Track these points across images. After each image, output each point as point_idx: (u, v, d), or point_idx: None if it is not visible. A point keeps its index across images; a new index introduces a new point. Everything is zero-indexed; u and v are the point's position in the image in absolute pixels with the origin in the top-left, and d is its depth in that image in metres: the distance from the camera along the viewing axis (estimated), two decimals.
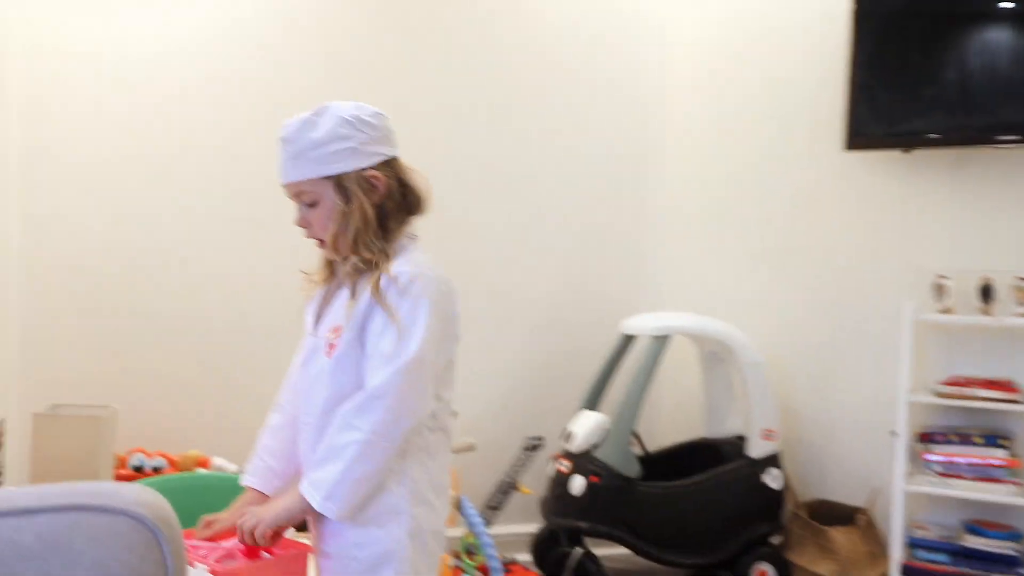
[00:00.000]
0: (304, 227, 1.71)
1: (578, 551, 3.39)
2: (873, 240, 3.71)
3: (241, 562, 1.62)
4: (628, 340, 3.71)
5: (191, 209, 3.51)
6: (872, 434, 3.66)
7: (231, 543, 1.68)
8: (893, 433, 3.40)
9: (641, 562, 3.71)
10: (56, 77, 3.36)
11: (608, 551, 3.71)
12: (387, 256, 1.66)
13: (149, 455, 3.33)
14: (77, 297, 3.41)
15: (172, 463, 3.32)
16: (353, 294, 1.67)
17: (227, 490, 2.05)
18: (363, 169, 1.66)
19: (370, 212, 1.65)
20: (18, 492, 1.22)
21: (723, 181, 4.05)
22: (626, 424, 3.46)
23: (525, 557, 3.68)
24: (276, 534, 1.65)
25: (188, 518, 1.84)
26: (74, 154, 3.39)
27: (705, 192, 4.09)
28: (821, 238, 3.82)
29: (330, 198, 1.65)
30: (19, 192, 3.24)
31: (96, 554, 1.17)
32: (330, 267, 1.77)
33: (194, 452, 3.34)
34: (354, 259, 1.67)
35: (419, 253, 1.70)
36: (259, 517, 1.63)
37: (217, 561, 1.59)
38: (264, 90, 3.56)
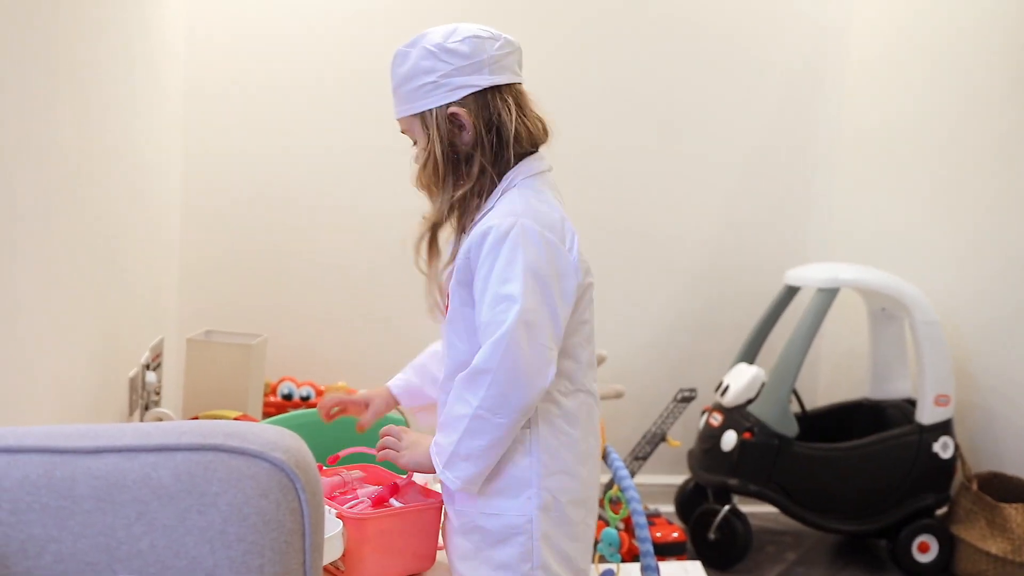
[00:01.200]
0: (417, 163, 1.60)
1: (725, 508, 3.26)
2: None
3: (370, 509, 1.56)
4: (792, 291, 3.50)
5: (346, 146, 3.49)
6: None
7: (363, 491, 1.63)
8: None
9: (790, 523, 3.55)
10: (218, 13, 3.37)
11: (756, 509, 3.56)
12: (471, 205, 1.53)
13: (298, 384, 3.36)
14: (233, 230, 3.46)
15: (319, 393, 3.35)
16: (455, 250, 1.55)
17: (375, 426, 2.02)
18: (447, 105, 1.52)
19: (440, 156, 1.52)
20: (156, 427, 1.18)
21: (908, 121, 3.72)
22: (785, 380, 3.27)
23: (668, 509, 3.58)
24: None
25: (330, 449, 1.82)
26: (232, 91, 3.41)
27: (887, 133, 3.77)
28: (1012, 191, 3.45)
29: (423, 137, 1.55)
30: (181, 129, 3.28)
31: (231, 497, 1.12)
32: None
33: (342, 384, 3.36)
34: (433, 206, 1.56)
35: (523, 196, 1.51)
36: (403, 451, 1.58)
37: (344, 505, 1.54)
38: (424, 22, 3.47)
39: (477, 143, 1.53)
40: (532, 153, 1.59)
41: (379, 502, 1.57)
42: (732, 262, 3.82)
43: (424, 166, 1.54)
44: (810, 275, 3.42)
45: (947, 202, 3.62)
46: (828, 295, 3.32)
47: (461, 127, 1.53)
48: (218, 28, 3.37)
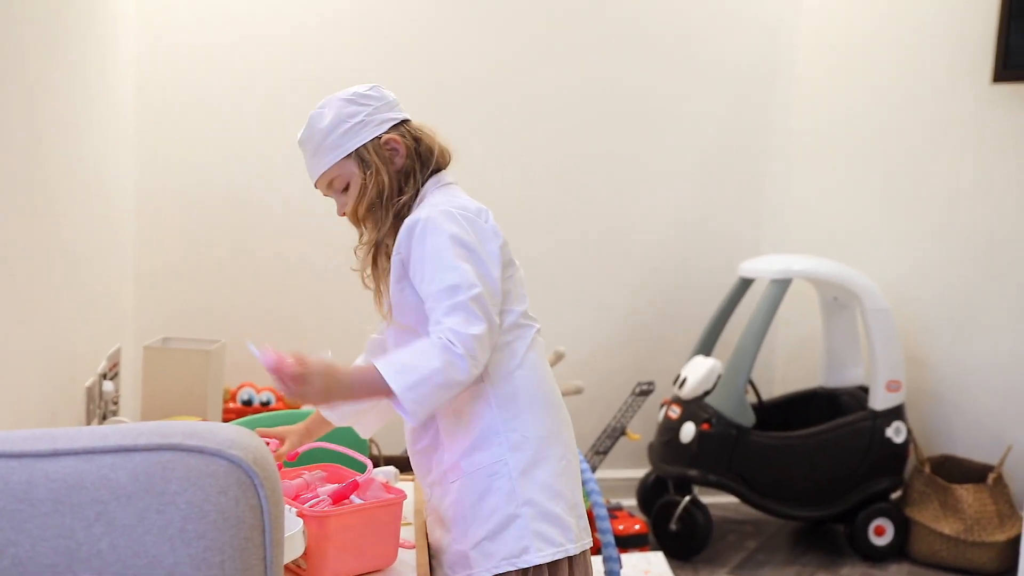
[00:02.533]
0: (347, 214, 1.74)
1: (685, 499, 3.30)
2: (1021, 181, 3.43)
3: (330, 507, 1.57)
4: (746, 283, 3.56)
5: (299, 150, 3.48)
6: (1009, 388, 3.43)
7: (324, 489, 1.64)
8: None
9: (750, 512, 3.61)
10: (170, 17, 3.35)
11: (716, 499, 3.61)
12: (400, 216, 1.68)
13: (258, 390, 3.35)
14: (188, 236, 3.44)
15: (280, 398, 3.34)
16: (368, 264, 1.73)
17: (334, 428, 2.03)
18: (378, 137, 1.71)
19: (388, 179, 1.69)
20: (114, 430, 1.19)
21: (854, 114, 3.80)
22: (741, 371, 3.33)
23: (630, 503, 3.62)
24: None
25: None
26: (187, 93, 3.39)
27: (834, 126, 3.85)
28: (961, 179, 3.55)
29: (357, 175, 1.71)
30: (136, 131, 3.26)
31: (190, 495, 1.13)
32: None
33: None
34: (368, 231, 1.72)
35: (439, 196, 1.70)
36: (315, 382, 1.54)
37: (305, 504, 1.55)
38: (381, 28, 3.49)
39: (412, 159, 1.73)
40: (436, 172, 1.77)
41: (339, 499, 1.58)
42: (687, 256, 3.86)
43: (365, 196, 1.70)
44: (763, 267, 3.47)
45: (897, 194, 3.70)
46: (781, 286, 3.38)
47: (395, 151, 1.71)
48: (169, 33, 3.35)
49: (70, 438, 1.16)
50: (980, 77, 3.41)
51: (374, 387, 1.54)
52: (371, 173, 1.69)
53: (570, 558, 1.65)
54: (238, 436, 1.19)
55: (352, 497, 1.59)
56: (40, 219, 2.09)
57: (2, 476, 1.10)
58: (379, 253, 1.71)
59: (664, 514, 3.34)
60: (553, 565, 1.62)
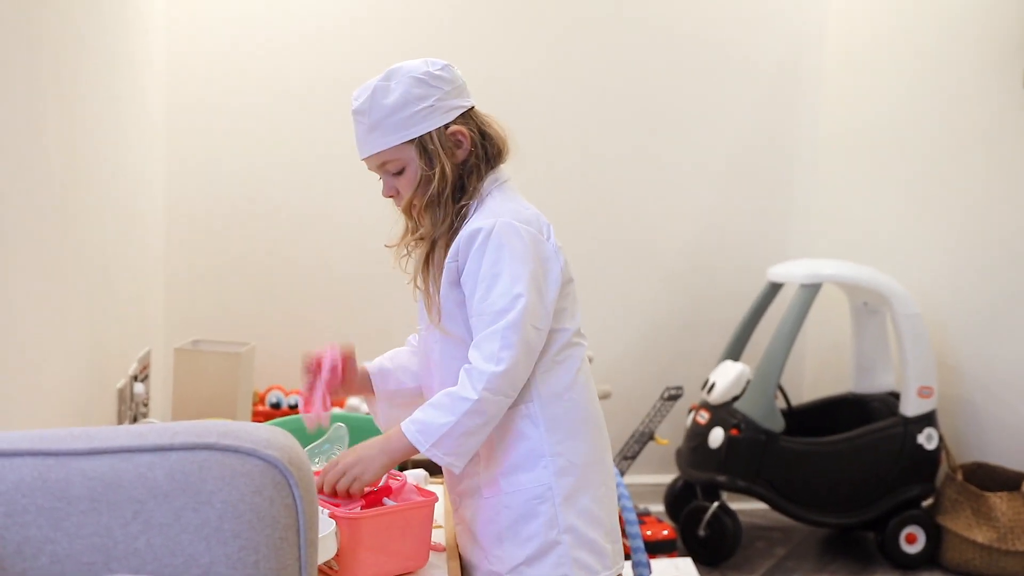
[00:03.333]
0: (391, 197, 1.67)
1: (714, 505, 3.28)
2: None
3: (362, 508, 1.56)
4: (775, 288, 3.53)
5: (330, 154, 3.49)
6: None
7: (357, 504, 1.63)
8: None
9: (779, 518, 3.57)
10: (199, 23, 3.37)
11: (745, 505, 3.58)
12: (461, 215, 1.62)
13: (286, 392, 3.37)
14: (219, 239, 3.46)
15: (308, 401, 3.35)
16: (421, 262, 1.64)
17: (361, 430, 2.04)
18: (445, 126, 1.62)
19: (451, 172, 1.61)
20: (151, 429, 1.19)
21: (887, 118, 3.76)
22: (770, 376, 3.30)
23: (658, 508, 3.60)
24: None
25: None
26: (215, 97, 3.42)
27: (862, 129, 3.82)
28: (991, 182, 3.50)
29: (415, 162, 1.62)
30: (165, 136, 3.28)
31: (226, 495, 1.13)
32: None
33: None
34: (424, 226, 1.63)
35: (501, 200, 1.63)
36: (357, 472, 1.56)
37: (337, 506, 1.55)
38: (406, 30, 3.50)
39: (474, 156, 1.64)
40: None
41: (372, 502, 1.57)
42: (715, 261, 3.84)
43: (429, 187, 1.60)
44: (792, 272, 3.45)
45: (927, 197, 3.66)
46: (811, 291, 3.35)
47: (459, 144, 1.62)
48: (198, 38, 3.38)
49: (107, 437, 1.16)
50: (1011, 80, 3.37)
51: (407, 448, 1.55)
52: (434, 165, 1.60)
53: None
54: (273, 436, 1.20)
55: (385, 500, 1.59)
56: (72, 223, 2.11)
57: (40, 474, 1.11)
58: (434, 252, 1.63)
59: (692, 520, 3.32)
60: None
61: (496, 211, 1.59)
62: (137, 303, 2.86)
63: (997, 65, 3.40)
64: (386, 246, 1.71)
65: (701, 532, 3.28)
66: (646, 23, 3.72)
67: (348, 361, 1.76)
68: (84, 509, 1.10)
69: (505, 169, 1.69)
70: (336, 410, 3.20)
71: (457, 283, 1.60)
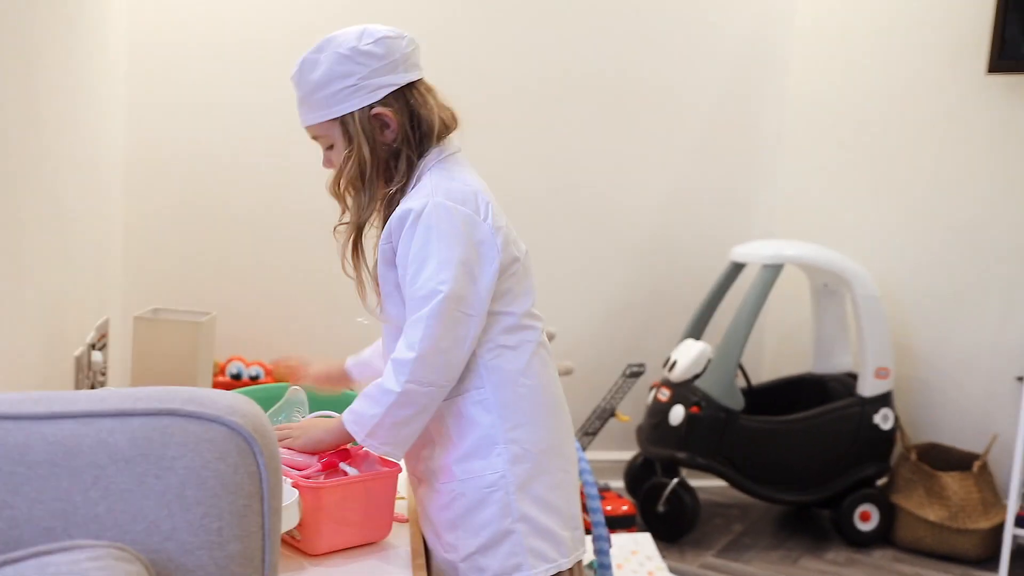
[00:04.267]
0: (329, 168, 1.64)
1: (673, 481, 3.31)
2: (1011, 172, 3.45)
3: (328, 479, 1.56)
4: (737, 268, 3.56)
5: (292, 120, 3.45)
6: (995, 377, 3.45)
7: (315, 459, 1.62)
8: (1020, 378, 3.20)
9: (737, 495, 3.62)
10: None
11: (704, 483, 3.62)
12: (396, 200, 1.58)
13: (247, 363, 3.34)
14: (178, 204, 3.41)
15: (268, 372, 3.33)
16: (350, 247, 1.63)
17: (321, 400, 2.03)
18: (370, 107, 1.56)
19: (370, 156, 1.56)
20: (112, 393, 1.17)
21: (848, 102, 3.79)
22: (731, 355, 3.33)
23: (618, 484, 3.62)
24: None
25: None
26: (175, 61, 3.36)
27: (827, 113, 3.85)
28: (953, 168, 3.56)
29: (340, 141, 1.58)
30: (126, 98, 3.22)
31: (189, 461, 1.12)
32: None
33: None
34: (349, 209, 1.61)
35: (438, 178, 1.57)
36: (297, 435, 1.61)
37: (301, 475, 1.54)
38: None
39: (402, 139, 1.58)
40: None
41: (329, 466, 1.57)
42: (679, 240, 3.86)
43: (347, 169, 1.57)
44: (755, 252, 3.47)
45: (889, 180, 3.71)
46: (772, 271, 3.38)
47: (385, 126, 1.57)
48: (159, 6, 3.31)
49: (68, 401, 1.14)
50: (975, 67, 3.42)
51: (346, 435, 1.57)
52: (353, 147, 1.56)
53: (562, 572, 1.62)
54: (238, 403, 1.18)
55: (343, 466, 1.58)
56: (31, 188, 2.06)
57: None
58: (360, 238, 1.61)
59: (652, 496, 3.35)
60: None
61: (428, 190, 1.54)
62: (95, 271, 2.81)
63: (962, 50, 3.45)
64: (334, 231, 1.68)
65: (660, 508, 3.32)
66: (610, 4, 3.71)
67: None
68: (43, 474, 1.08)
69: (454, 141, 1.64)
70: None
71: (393, 264, 1.57)
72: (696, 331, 3.56)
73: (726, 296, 3.58)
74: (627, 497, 3.46)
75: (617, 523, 3.16)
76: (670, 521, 3.32)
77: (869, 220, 3.74)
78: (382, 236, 1.57)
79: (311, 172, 3.44)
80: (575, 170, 3.73)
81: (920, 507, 3.34)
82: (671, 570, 2.88)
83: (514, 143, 3.58)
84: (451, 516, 1.58)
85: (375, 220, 1.63)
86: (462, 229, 1.52)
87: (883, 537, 3.41)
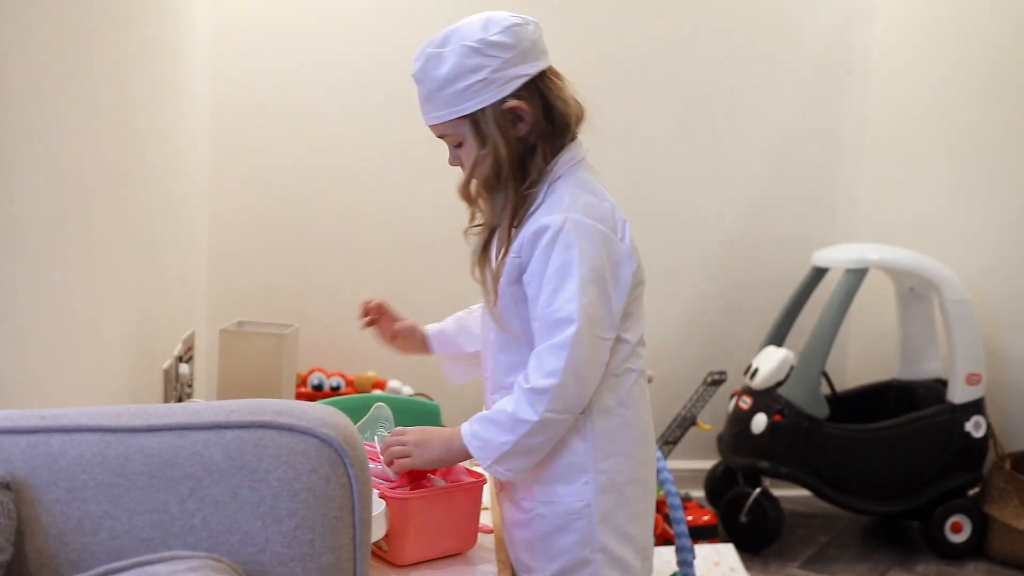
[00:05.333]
0: (455, 166, 1.57)
1: (756, 491, 3.25)
2: None
3: (410, 488, 1.56)
4: (819, 273, 3.49)
5: (372, 134, 3.50)
6: None
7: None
8: None
9: (822, 505, 3.54)
10: (238, 9, 3.38)
11: (787, 492, 3.55)
12: (526, 202, 1.50)
13: (328, 375, 3.38)
14: (261, 219, 3.48)
15: (349, 383, 3.36)
16: (505, 243, 1.52)
17: (403, 412, 2.05)
18: (503, 100, 1.47)
19: (506, 153, 1.47)
20: (207, 407, 1.20)
21: (933, 98, 3.69)
22: (814, 361, 3.27)
23: (699, 494, 3.58)
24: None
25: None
26: (259, 75, 3.43)
27: (912, 110, 3.74)
28: None
29: (470, 139, 1.50)
30: (209, 117, 3.30)
31: (282, 473, 1.13)
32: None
33: (371, 373, 3.37)
34: (483, 212, 1.53)
35: (574, 190, 1.50)
36: (412, 452, 1.54)
37: (389, 486, 1.55)
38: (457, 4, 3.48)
39: (538, 133, 1.50)
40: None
41: (417, 479, 1.57)
42: (760, 245, 3.80)
43: (481, 169, 1.50)
44: (838, 256, 3.41)
45: (975, 181, 3.60)
46: (856, 276, 3.31)
47: (519, 119, 1.49)
48: (242, 15, 3.38)
49: (164, 414, 1.17)
50: None
51: (466, 454, 1.51)
52: (488, 147, 1.47)
53: None
54: (328, 415, 1.20)
55: (430, 477, 1.59)
56: (121, 203, 2.12)
57: (100, 450, 1.12)
58: (492, 241, 1.53)
59: (734, 506, 3.30)
60: None
61: (567, 204, 1.47)
62: (182, 284, 2.88)
63: None
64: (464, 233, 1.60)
65: (743, 518, 3.26)
66: (686, 8, 3.68)
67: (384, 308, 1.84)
68: (142, 485, 1.11)
69: (581, 147, 1.56)
70: (377, 392, 3.22)
71: (518, 280, 1.50)
72: (778, 338, 3.50)
73: (808, 302, 3.52)
74: (708, 507, 3.42)
75: (699, 533, 3.11)
76: (753, 532, 3.27)
77: (957, 223, 3.63)
78: (511, 250, 1.49)
79: (390, 184, 3.51)
80: (654, 180, 3.70)
81: (1015, 518, 3.23)
82: None
83: (593, 152, 3.56)
84: (529, 536, 1.56)
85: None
86: (601, 249, 1.46)
87: (976, 549, 3.30)
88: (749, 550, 3.25)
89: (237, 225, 3.45)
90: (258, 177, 3.46)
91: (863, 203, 3.85)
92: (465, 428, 1.51)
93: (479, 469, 1.64)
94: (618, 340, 1.52)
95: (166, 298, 2.63)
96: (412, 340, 1.84)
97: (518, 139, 1.50)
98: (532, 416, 1.44)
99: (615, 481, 1.54)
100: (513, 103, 1.47)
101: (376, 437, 1.72)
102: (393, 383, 3.32)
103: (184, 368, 2.67)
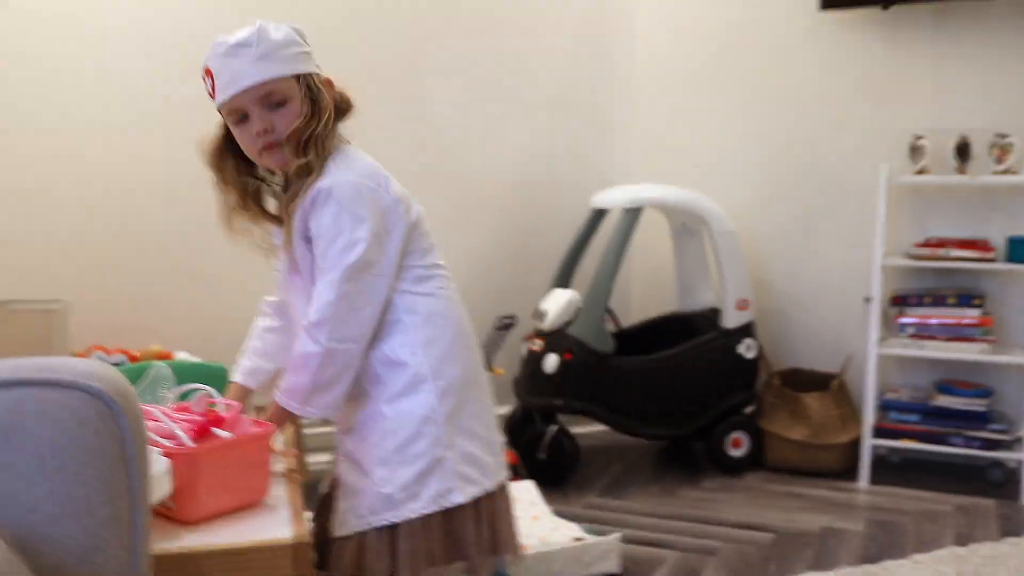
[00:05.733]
0: (268, 132, 1.67)
1: (552, 428, 3.37)
2: (849, 103, 3.63)
3: (200, 444, 1.53)
4: (599, 215, 3.63)
5: (138, 95, 3.33)
6: (846, 301, 3.65)
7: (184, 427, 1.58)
8: (867, 299, 3.38)
9: (616, 438, 3.72)
10: None
11: (583, 429, 3.71)
12: (322, 165, 1.68)
13: (109, 352, 3.22)
14: (29, 192, 3.25)
15: (133, 359, 3.21)
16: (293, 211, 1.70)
17: (187, 374, 2.01)
18: (319, 74, 1.72)
19: (328, 116, 1.69)
20: None
21: (695, 45, 3.90)
22: (599, 300, 3.40)
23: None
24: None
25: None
26: (32, 42, 3.18)
27: (677, 57, 3.95)
28: (796, 103, 3.72)
29: (298, 97, 1.67)
30: None
31: (46, 431, 1.08)
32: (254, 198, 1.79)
33: (156, 347, 3.22)
34: (308, 155, 1.66)
35: (342, 158, 1.71)
36: None
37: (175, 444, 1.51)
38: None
39: (333, 111, 1.71)
40: None
41: (201, 433, 1.54)
42: (541, 192, 3.91)
43: (314, 124, 1.66)
44: (615, 197, 3.55)
45: (735, 118, 3.85)
46: (632, 214, 3.46)
47: (329, 88, 1.72)
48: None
49: None
50: (810, 5, 3.57)
51: (285, 415, 1.69)
52: (322, 101, 1.68)
53: (489, 493, 1.77)
54: (96, 368, 1.15)
55: (215, 431, 1.55)
56: None
57: None
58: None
59: (533, 445, 3.40)
60: (474, 503, 1.74)
61: (334, 169, 1.67)
62: None
63: None
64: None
65: (542, 455, 3.37)
66: None
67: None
68: None
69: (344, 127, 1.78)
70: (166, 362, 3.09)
71: (307, 238, 1.68)
72: (564, 280, 3.62)
73: (590, 243, 3.65)
74: (509, 449, 3.51)
75: None
76: (552, 467, 3.39)
77: (721, 159, 3.87)
78: (297, 215, 1.66)
79: (166, 150, 3.35)
80: (434, 132, 3.72)
81: (785, 429, 3.51)
82: (556, 513, 2.93)
83: (373, 109, 3.53)
84: (383, 453, 1.70)
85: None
86: (368, 202, 1.67)
87: (754, 461, 3.56)
88: (550, 485, 3.36)
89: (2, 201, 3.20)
90: (23, 148, 3.22)
91: (636, 145, 4.03)
92: (276, 393, 1.70)
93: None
94: (410, 267, 1.76)
95: None
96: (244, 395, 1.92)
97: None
98: (316, 348, 1.64)
99: (452, 384, 1.74)
100: (328, 77, 1.73)
101: (157, 397, 1.67)
102: (180, 355, 3.19)
103: None
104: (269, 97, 1.65)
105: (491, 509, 1.78)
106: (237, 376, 1.91)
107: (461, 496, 1.72)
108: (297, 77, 1.67)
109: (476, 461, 1.75)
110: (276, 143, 1.67)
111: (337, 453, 1.82)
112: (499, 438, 1.85)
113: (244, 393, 1.90)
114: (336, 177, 1.65)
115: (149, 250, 3.40)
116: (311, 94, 1.68)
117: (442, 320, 1.77)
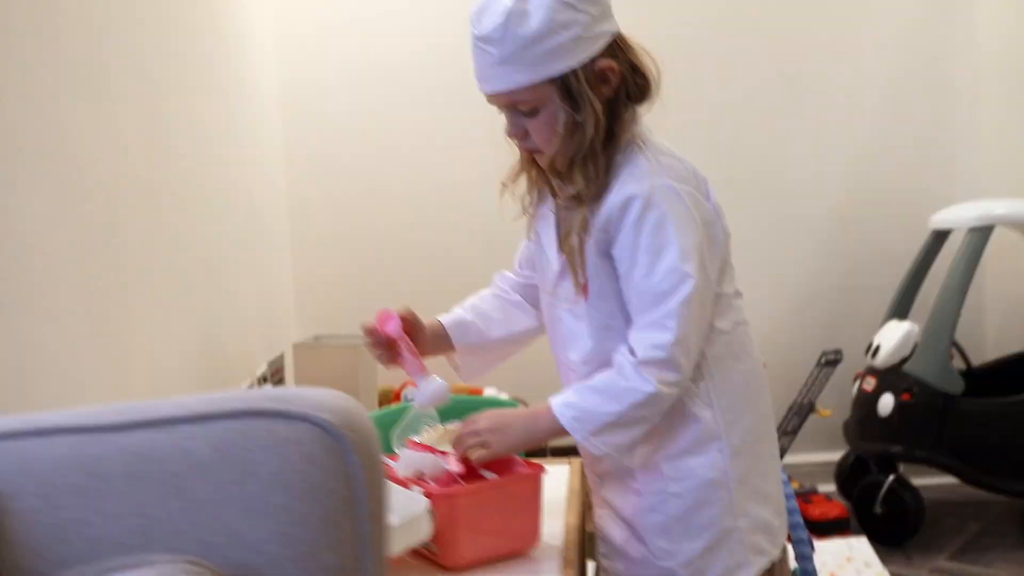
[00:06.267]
0: (519, 138, 1.42)
1: (890, 478, 2.99)
2: None
3: (458, 484, 1.42)
4: (940, 236, 3.22)
5: (449, 142, 3.42)
6: None
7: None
8: None
9: (970, 492, 3.23)
10: (306, 14, 3.36)
11: (927, 480, 3.25)
12: (609, 172, 1.38)
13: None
14: (341, 236, 3.43)
15: None
16: (577, 224, 1.40)
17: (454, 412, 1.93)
18: (593, 60, 1.34)
19: (603, 118, 1.35)
20: (197, 399, 1.08)
21: None
22: (942, 333, 2.99)
23: (828, 487, 3.31)
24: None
25: None
26: (330, 92, 3.42)
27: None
28: None
29: (555, 104, 1.35)
30: (281, 134, 3.28)
31: (273, 465, 1.00)
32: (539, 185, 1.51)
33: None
34: (576, 184, 1.38)
35: (647, 152, 1.39)
36: (489, 440, 1.42)
37: (438, 484, 1.41)
38: None
39: (624, 93, 1.39)
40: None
41: (470, 474, 1.43)
42: (871, 212, 3.54)
43: (572, 138, 1.36)
44: (959, 216, 3.14)
45: None
46: (981, 234, 3.02)
47: (605, 81, 1.37)
48: (309, 34, 3.37)
49: (147, 409, 1.06)
50: None
51: (555, 431, 1.40)
52: (583, 109, 1.34)
53: (774, 562, 1.50)
54: (328, 398, 1.07)
55: (483, 472, 1.45)
56: (191, 221, 2.09)
57: (76, 452, 1.02)
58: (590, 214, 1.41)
59: (867, 496, 3.04)
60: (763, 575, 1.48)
61: (647, 169, 1.37)
62: (263, 308, 2.84)
63: None
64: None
65: (877, 509, 3.00)
66: None
67: (409, 319, 1.62)
68: (120, 486, 1.00)
69: (644, 111, 1.44)
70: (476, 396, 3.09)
71: (607, 255, 1.40)
72: (900, 311, 3.24)
73: (931, 269, 3.24)
74: (838, 499, 3.16)
75: (829, 528, 2.89)
76: (891, 523, 3.01)
77: None
78: (595, 224, 1.38)
79: (468, 190, 3.40)
80: (752, 149, 3.50)
81: None
82: None
83: (687, 125, 3.35)
84: (662, 519, 1.45)
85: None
86: (693, 212, 1.37)
87: None
88: (889, 543, 2.97)
89: (318, 240, 3.41)
90: (335, 192, 3.42)
91: (982, 157, 3.52)
92: (556, 399, 1.41)
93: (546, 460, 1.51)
94: (720, 297, 1.44)
95: (242, 321, 2.58)
96: (435, 339, 1.67)
97: (606, 102, 1.38)
98: (646, 387, 1.35)
99: (746, 441, 1.46)
100: (604, 63, 1.36)
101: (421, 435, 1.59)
102: (489, 391, 3.19)
103: (267, 389, 2.61)
104: (516, 106, 1.38)
105: None
106: (444, 317, 1.67)
107: (751, 571, 1.45)
108: (554, 79, 1.33)
109: (768, 528, 1.48)
110: (538, 151, 1.41)
111: (594, 496, 1.57)
112: (783, 497, 1.54)
113: (438, 339, 1.64)
114: (649, 181, 1.35)
115: (470, 285, 3.45)
116: (571, 101, 1.34)
117: (741, 365, 1.47)
